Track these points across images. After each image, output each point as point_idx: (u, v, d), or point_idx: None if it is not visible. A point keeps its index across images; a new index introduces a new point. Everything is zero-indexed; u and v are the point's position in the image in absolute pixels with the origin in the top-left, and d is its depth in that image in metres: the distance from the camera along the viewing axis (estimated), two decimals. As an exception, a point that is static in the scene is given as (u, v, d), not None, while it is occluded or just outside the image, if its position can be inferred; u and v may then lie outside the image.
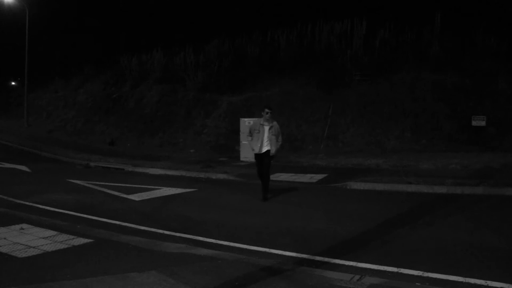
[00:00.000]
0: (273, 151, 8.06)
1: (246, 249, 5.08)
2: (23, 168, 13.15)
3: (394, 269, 4.26)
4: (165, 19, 30.06)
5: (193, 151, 17.65)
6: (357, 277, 3.84)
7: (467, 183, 8.80)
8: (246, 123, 14.16)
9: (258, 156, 8.14)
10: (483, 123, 14.32)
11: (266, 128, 8.09)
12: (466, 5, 18.50)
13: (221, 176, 11.47)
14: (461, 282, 3.91)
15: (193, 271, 4.04)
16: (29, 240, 5.07)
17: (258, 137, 8.06)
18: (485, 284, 3.86)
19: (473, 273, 4.08)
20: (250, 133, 8.33)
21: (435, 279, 4.01)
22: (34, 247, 4.78)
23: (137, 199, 8.44)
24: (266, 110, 8.09)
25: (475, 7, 18.33)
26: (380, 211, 7.19)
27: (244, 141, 13.99)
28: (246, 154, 13.95)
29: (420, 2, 20.40)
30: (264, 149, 8.04)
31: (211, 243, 5.33)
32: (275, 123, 8.26)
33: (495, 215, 6.81)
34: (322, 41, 20.21)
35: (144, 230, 5.99)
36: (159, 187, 9.65)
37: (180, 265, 4.20)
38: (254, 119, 7.63)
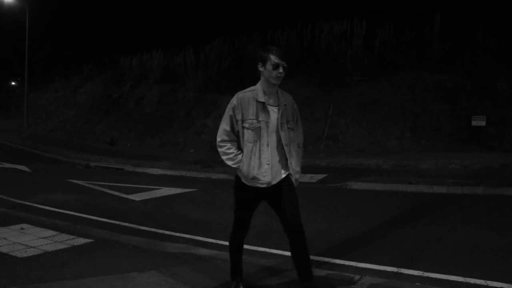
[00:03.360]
0: (297, 172, 3.23)
1: (246, 249, 5.03)
2: (23, 168, 13.13)
3: (394, 269, 4.26)
4: (165, 19, 30.11)
5: (193, 151, 17.65)
6: (357, 277, 3.84)
7: (467, 183, 8.79)
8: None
9: (260, 191, 3.19)
10: (483, 123, 14.30)
11: (274, 112, 3.11)
12: (466, 5, 18.51)
13: (221, 176, 11.46)
14: (461, 282, 3.91)
15: (193, 271, 4.04)
16: (29, 240, 5.07)
17: (257, 140, 3.06)
18: (485, 284, 3.86)
19: (473, 273, 4.08)
20: (232, 131, 3.13)
21: (435, 279, 4.00)
22: (34, 247, 4.77)
23: (137, 199, 8.44)
24: (274, 59, 3.01)
25: (475, 7, 18.34)
26: (380, 211, 7.19)
27: None
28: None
29: (420, 2, 20.43)
30: (279, 177, 3.18)
31: (211, 243, 5.33)
32: (288, 96, 3.27)
33: (495, 215, 6.81)
34: (322, 41, 20.20)
35: (144, 230, 5.98)
36: (159, 187, 9.65)
37: (180, 265, 4.20)
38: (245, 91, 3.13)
